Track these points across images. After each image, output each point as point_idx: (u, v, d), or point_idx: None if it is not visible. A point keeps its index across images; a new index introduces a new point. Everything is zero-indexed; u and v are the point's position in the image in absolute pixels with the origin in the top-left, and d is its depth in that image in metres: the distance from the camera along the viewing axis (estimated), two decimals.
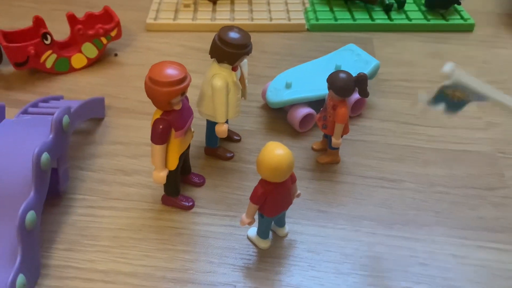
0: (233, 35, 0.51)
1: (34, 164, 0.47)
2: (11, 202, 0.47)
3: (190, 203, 0.55)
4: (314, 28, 0.88)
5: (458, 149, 0.64)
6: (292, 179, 0.47)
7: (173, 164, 0.51)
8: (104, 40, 0.77)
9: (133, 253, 0.51)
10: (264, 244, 0.51)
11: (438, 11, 0.90)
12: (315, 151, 0.63)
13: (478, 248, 0.52)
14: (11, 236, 0.46)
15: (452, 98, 0.43)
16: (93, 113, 0.66)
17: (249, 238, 0.52)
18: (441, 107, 0.45)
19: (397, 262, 0.50)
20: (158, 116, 0.48)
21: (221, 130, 0.56)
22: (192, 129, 0.54)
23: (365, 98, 0.59)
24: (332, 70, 0.64)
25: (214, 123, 0.57)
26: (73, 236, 0.52)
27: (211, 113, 0.56)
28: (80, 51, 0.76)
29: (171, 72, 0.46)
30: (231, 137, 0.64)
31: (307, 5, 0.93)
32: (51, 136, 0.50)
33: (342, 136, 0.58)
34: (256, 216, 0.49)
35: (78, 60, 0.76)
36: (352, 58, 0.69)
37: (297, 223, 0.54)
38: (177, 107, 0.48)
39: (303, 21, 0.88)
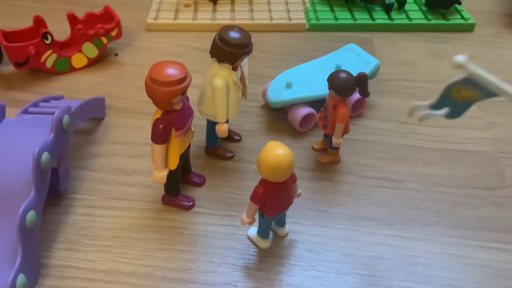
0: (234, 34, 0.51)
1: (34, 164, 0.47)
2: (12, 201, 0.47)
3: (191, 203, 0.55)
4: (315, 28, 0.88)
5: (459, 149, 0.64)
6: (293, 179, 0.47)
7: (174, 163, 0.51)
8: (104, 40, 0.77)
9: (134, 253, 0.51)
10: (264, 244, 0.51)
11: (439, 11, 0.90)
12: (316, 151, 0.63)
13: (478, 248, 0.52)
14: (11, 236, 0.46)
15: (456, 99, 0.43)
16: (93, 113, 0.66)
17: (249, 238, 0.52)
18: (442, 112, 0.44)
19: (397, 262, 0.50)
20: (158, 115, 0.48)
21: (222, 130, 0.56)
22: (193, 129, 0.54)
23: (366, 98, 0.58)
24: (332, 70, 0.64)
25: (215, 123, 0.57)
26: (73, 236, 0.52)
27: (211, 113, 0.56)
28: (81, 51, 0.76)
29: (172, 71, 0.46)
30: (232, 137, 0.64)
31: (308, 5, 0.93)
32: (51, 135, 0.50)
33: (342, 136, 0.58)
34: (257, 216, 0.49)
35: (78, 59, 0.76)
36: (353, 58, 0.69)
37: (297, 223, 0.54)
38: (178, 107, 0.48)
39: (304, 21, 0.88)
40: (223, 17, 0.88)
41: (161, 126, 0.48)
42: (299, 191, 0.49)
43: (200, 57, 0.80)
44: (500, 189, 0.58)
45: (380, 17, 0.89)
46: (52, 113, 0.53)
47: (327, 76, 0.55)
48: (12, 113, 0.61)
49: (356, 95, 0.65)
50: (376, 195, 0.57)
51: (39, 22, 0.73)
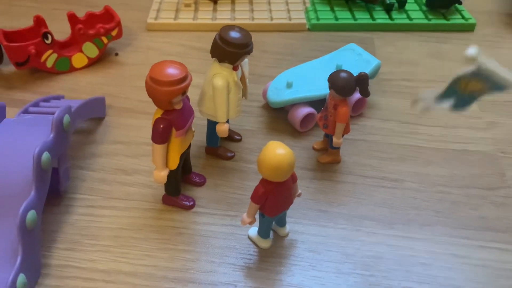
0: (234, 34, 0.51)
1: (34, 164, 0.47)
2: (12, 201, 0.47)
3: (191, 203, 0.55)
4: (315, 28, 0.88)
5: (459, 149, 0.64)
6: (293, 178, 0.47)
7: (174, 163, 0.51)
8: (104, 40, 0.77)
9: (134, 252, 0.51)
10: (265, 243, 0.51)
11: (439, 10, 0.90)
12: (316, 151, 0.63)
13: (479, 248, 0.52)
14: (11, 236, 0.46)
15: (463, 91, 0.42)
16: (93, 113, 0.66)
17: (249, 238, 0.52)
18: (447, 103, 0.43)
19: (398, 262, 0.50)
20: (159, 115, 0.48)
21: (222, 129, 0.56)
22: (193, 129, 0.54)
23: (366, 97, 0.58)
24: (333, 70, 0.64)
25: (215, 123, 0.57)
26: (73, 235, 0.52)
27: (212, 112, 0.56)
28: (81, 51, 0.76)
29: (172, 71, 0.46)
30: (232, 136, 0.64)
31: (308, 5, 0.93)
32: (51, 135, 0.50)
33: (343, 136, 0.58)
34: (257, 216, 0.48)
35: (78, 59, 0.76)
36: (353, 58, 0.69)
37: (298, 223, 0.54)
38: (178, 107, 0.48)
39: (304, 21, 0.88)
40: (224, 17, 0.88)
41: (161, 126, 0.48)
42: (299, 191, 0.49)
43: (201, 57, 0.80)
44: (501, 189, 0.58)
45: (381, 17, 0.89)
46: (53, 113, 0.53)
47: (328, 76, 0.55)
48: (13, 113, 0.61)
49: (357, 95, 0.65)
50: (376, 195, 0.57)
51: (39, 22, 0.73)
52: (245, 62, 0.57)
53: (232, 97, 0.55)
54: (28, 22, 0.74)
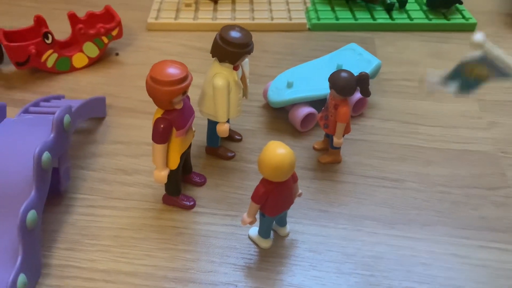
0: (235, 34, 0.51)
1: (35, 163, 0.47)
2: (12, 201, 0.47)
3: (191, 203, 0.55)
4: (316, 28, 0.88)
5: (460, 149, 0.64)
6: (294, 178, 0.47)
7: (174, 163, 0.51)
8: (105, 40, 0.77)
9: (134, 252, 0.51)
10: (265, 243, 0.51)
11: (440, 10, 0.90)
12: (317, 151, 0.63)
13: (480, 248, 0.52)
14: (12, 236, 0.46)
15: (469, 75, 0.42)
16: (94, 113, 0.66)
17: (250, 238, 0.52)
18: (453, 86, 0.43)
19: (398, 262, 0.50)
20: (159, 115, 0.48)
21: (222, 129, 0.56)
22: (193, 129, 0.54)
23: (367, 97, 0.58)
24: (333, 70, 0.64)
25: (215, 123, 0.57)
26: (74, 235, 0.52)
27: (212, 112, 0.56)
28: (81, 51, 0.76)
29: (173, 71, 0.46)
30: (232, 136, 0.64)
31: (309, 5, 0.93)
32: (52, 135, 0.50)
33: (343, 136, 0.57)
34: (257, 216, 0.48)
35: (79, 59, 0.76)
36: (354, 58, 0.69)
37: (298, 223, 0.54)
38: (178, 106, 0.48)
39: (305, 21, 0.88)
40: (224, 16, 0.88)
41: (162, 126, 0.48)
42: (300, 191, 0.49)
43: (201, 56, 0.80)
44: (501, 189, 0.58)
45: (381, 16, 0.89)
46: (53, 113, 0.53)
47: (328, 76, 0.55)
48: (13, 113, 0.61)
49: (357, 95, 0.65)
50: (377, 195, 0.57)
51: (40, 21, 0.73)
52: (246, 62, 0.57)
53: (232, 97, 0.55)
54: (29, 22, 0.74)
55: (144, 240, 0.52)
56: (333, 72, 0.55)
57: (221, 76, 0.53)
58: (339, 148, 0.60)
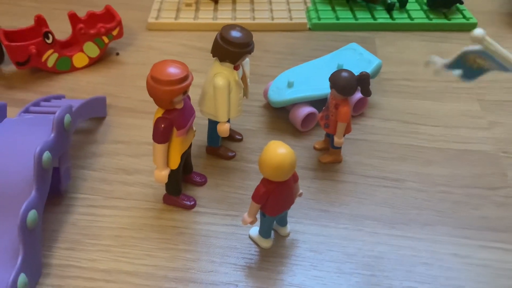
0: (235, 34, 0.51)
1: (35, 163, 0.47)
2: (13, 201, 0.47)
3: (192, 202, 0.55)
4: (316, 27, 0.87)
5: (461, 149, 0.63)
6: (294, 178, 0.47)
7: (175, 163, 0.51)
8: (105, 39, 0.77)
9: (135, 252, 0.51)
10: (266, 243, 0.51)
11: (440, 10, 0.90)
12: (317, 151, 0.63)
13: (480, 248, 0.52)
14: (12, 235, 0.46)
15: (472, 64, 0.42)
16: (94, 112, 0.66)
17: (251, 238, 0.52)
18: (457, 72, 0.44)
19: (399, 261, 0.50)
20: (159, 115, 0.48)
21: (223, 129, 0.56)
22: (194, 128, 0.54)
23: (367, 97, 0.58)
24: (334, 69, 0.64)
25: (216, 122, 0.57)
26: (74, 235, 0.52)
27: (212, 112, 0.56)
28: (82, 50, 0.76)
29: (173, 70, 0.46)
30: (233, 136, 0.64)
31: (309, 4, 0.93)
32: (52, 135, 0.50)
33: (344, 135, 0.57)
34: (258, 216, 0.48)
35: (79, 59, 0.76)
36: (354, 57, 0.69)
37: (299, 223, 0.54)
38: (179, 106, 0.48)
39: (305, 20, 0.88)
40: (225, 16, 0.88)
41: (162, 125, 0.48)
42: (300, 191, 0.49)
43: (202, 56, 0.80)
44: (502, 188, 0.58)
45: (382, 16, 0.89)
46: (53, 113, 0.53)
47: (329, 76, 0.55)
48: (13, 113, 0.61)
49: (358, 95, 0.65)
50: (377, 194, 0.57)
51: (40, 21, 0.73)
52: (246, 61, 0.57)
53: (233, 97, 0.55)
54: (29, 22, 0.74)
55: (145, 240, 0.52)
56: (334, 72, 0.55)
57: (222, 76, 0.53)
58: (339, 147, 0.60)
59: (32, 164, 0.47)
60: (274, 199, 0.46)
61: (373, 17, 0.88)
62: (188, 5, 0.90)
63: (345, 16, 0.89)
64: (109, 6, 0.79)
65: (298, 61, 0.72)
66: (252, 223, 0.48)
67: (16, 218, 0.44)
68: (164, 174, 0.50)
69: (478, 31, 0.40)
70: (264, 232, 0.50)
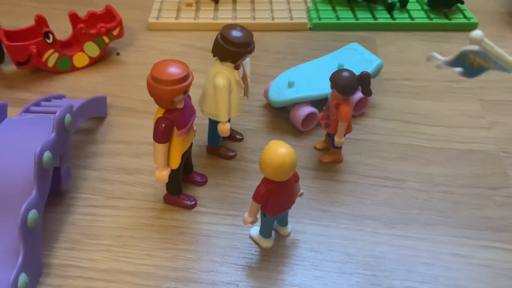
0: (236, 33, 0.51)
1: (36, 163, 0.47)
2: (13, 201, 0.47)
3: (192, 202, 0.55)
4: (317, 27, 0.87)
5: (462, 148, 0.63)
6: (295, 178, 0.47)
7: (175, 163, 0.51)
8: (106, 39, 0.77)
9: (135, 252, 0.51)
10: (266, 243, 0.51)
11: (441, 10, 0.90)
12: (318, 150, 0.63)
13: (481, 248, 0.52)
14: (13, 235, 0.46)
15: (472, 63, 0.43)
16: (95, 112, 0.66)
17: (251, 237, 0.52)
18: (458, 69, 0.44)
19: (400, 261, 0.50)
20: (160, 114, 0.48)
21: (224, 129, 0.56)
22: (195, 128, 0.54)
23: (368, 97, 0.58)
24: (335, 69, 0.64)
25: (217, 122, 0.57)
26: (75, 235, 0.52)
27: (213, 112, 0.56)
28: (82, 50, 0.76)
29: (174, 70, 0.46)
30: (234, 136, 0.64)
31: (310, 4, 0.93)
32: (53, 134, 0.50)
33: (345, 135, 0.57)
34: (259, 215, 0.48)
35: (80, 59, 0.76)
36: (355, 57, 0.69)
37: (299, 223, 0.54)
38: (180, 106, 0.48)
39: (306, 20, 0.88)
40: (225, 16, 0.88)
41: (163, 125, 0.48)
42: (301, 191, 0.49)
43: (202, 56, 0.79)
44: (503, 188, 0.58)
45: (382, 16, 0.89)
46: (54, 112, 0.53)
47: (330, 75, 0.55)
48: (14, 112, 0.61)
49: (359, 94, 0.64)
50: (378, 194, 0.57)
51: (40, 21, 0.73)
52: (247, 61, 0.57)
53: (233, 97, 0.55)
54: (30, 22, 0.74)
55: (145, 239, 0.52)
56: (335, 72, 0.55)
57: (222, 75, 0.53)
58: (340, 147, 0.60)
59: (33, 164, 0.47)
60: (275, 199, 0.46)
61: (374, 17, 0.88)
62: (189, 5, 0.90)
63: (345, 16, 0.89)
64: (110, 6, 0.79)
65: (299, 61, 0.72)
66: (253, 223, 0.48)
67: (16, 218, 0.44)
68: (164, 174, 0.50)
69: (476, 33, 0.40)
70: (265, 232, 0.50)
